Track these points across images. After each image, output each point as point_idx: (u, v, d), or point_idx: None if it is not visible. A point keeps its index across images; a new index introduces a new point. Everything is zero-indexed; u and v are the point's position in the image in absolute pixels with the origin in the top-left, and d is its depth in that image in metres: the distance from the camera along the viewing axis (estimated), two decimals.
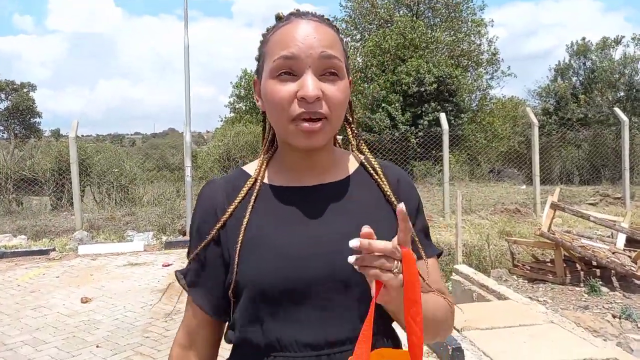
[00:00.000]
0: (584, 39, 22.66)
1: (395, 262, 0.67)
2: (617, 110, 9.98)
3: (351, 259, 0.67)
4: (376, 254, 0.66)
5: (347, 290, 0.81)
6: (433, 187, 12.02)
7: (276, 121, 0.83)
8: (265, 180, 0.90)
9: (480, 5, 21.20)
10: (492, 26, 21.10)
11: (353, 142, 0.97)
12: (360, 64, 19.75)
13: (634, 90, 19.54)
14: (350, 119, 0.96)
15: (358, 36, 21.39)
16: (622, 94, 19.98)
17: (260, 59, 0.87)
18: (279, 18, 0.86)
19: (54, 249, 7.31)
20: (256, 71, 0.90)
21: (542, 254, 5.92)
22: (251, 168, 0.93)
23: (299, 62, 0.78)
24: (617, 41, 21.81)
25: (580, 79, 22.02)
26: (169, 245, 7.73)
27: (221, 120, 25.51)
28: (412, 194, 0.93)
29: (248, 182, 0.89)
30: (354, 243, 0.65)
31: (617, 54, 21.57)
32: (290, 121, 0.79)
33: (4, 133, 32.13)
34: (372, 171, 0.92)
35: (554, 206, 5.61)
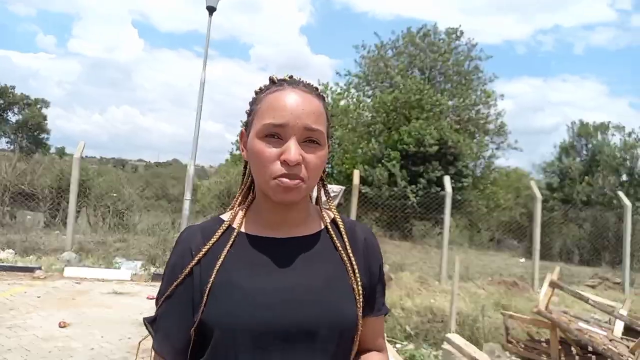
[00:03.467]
0: (581, 121, 23.21)
1: None
2: (621, 194, 10.03)
3: None
4: None
5: (312, 341, 0.85)
6: (431, 249, 11.88)
7: (259, 176, 0.89)
8: (242, 229, 0.95)
9: (491, 77, 21.61)
10: (502, 99, 21.46)
11: (325, 200, 1.05)
12: (368, 119, 20.06)
13: (636, 176, 19.75)
14: (324, 180, 1.03)
15: (370, 92, 21.86)
16: (624, 178, 20.18)
17: (250, 114, 0.93)
18: (272, 82, 0.93)
19: (39, 268, 7.14)
20: (245, 124, 0.96)
21: (537, 332, 5.74)
22: (228, 216, 0.98)
23: (286, 130, 0.86)
24: (610, 126, 22.29)
25: (584, 160, 22.32)
26: (157, 277, 7.50)
27: (230, 152, 25.64)
28: (377, 253, 1.01)
29: (222, 227, 0.94)
30: None
31: (615, 139, 22.02)
32: (272, 178, 0.86)
33: (10, 145, 32.35)
34: (341, 229, 0.98)
35: (553, 284, 5.50)
